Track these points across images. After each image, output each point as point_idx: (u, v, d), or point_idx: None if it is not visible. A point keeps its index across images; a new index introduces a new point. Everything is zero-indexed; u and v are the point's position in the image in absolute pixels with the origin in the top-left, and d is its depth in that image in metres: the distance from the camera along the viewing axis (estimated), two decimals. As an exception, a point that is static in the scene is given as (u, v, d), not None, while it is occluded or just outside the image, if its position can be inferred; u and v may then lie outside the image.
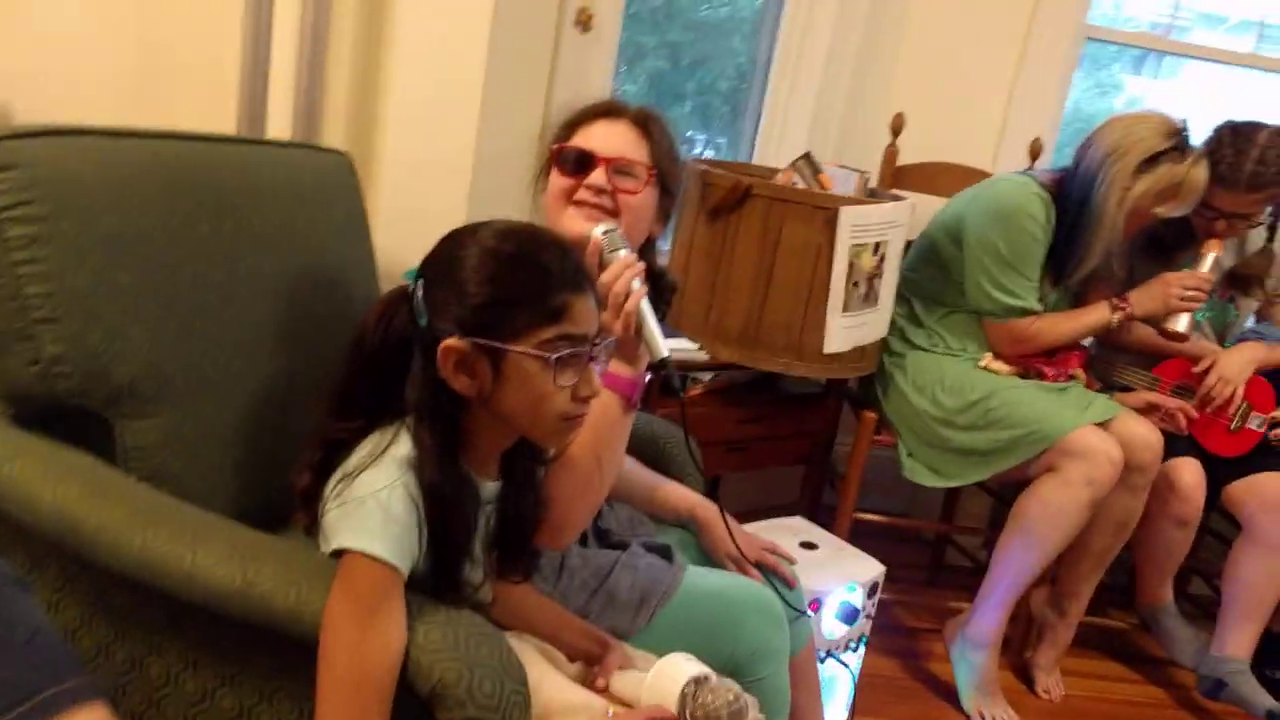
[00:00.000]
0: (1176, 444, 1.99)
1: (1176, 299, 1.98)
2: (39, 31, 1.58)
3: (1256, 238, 2.18)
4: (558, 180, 1.24)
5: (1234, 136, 1.98)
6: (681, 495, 1.45)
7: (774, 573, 1.40)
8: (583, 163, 1.22)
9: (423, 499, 0.90)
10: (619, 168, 1.22)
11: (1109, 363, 2.23)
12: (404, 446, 0.92)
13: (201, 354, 1.14)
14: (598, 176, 1.21)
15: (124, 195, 1.06)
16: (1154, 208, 1.92)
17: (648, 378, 1.16)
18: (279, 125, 1.67)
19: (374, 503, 0.87)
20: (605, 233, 1.14)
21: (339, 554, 0.87)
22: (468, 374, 0.92)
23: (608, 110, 1.26)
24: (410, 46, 1.69)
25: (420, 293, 0.93)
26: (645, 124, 1.26)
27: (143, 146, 1.11)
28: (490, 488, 1.01)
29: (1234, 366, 2.08)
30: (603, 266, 1.12)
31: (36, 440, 1.05)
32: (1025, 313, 2.01)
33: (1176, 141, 1.88)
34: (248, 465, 1.20)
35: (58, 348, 1.01)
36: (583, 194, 1.22)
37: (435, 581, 0.94)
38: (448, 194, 1.75)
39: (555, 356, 0.91)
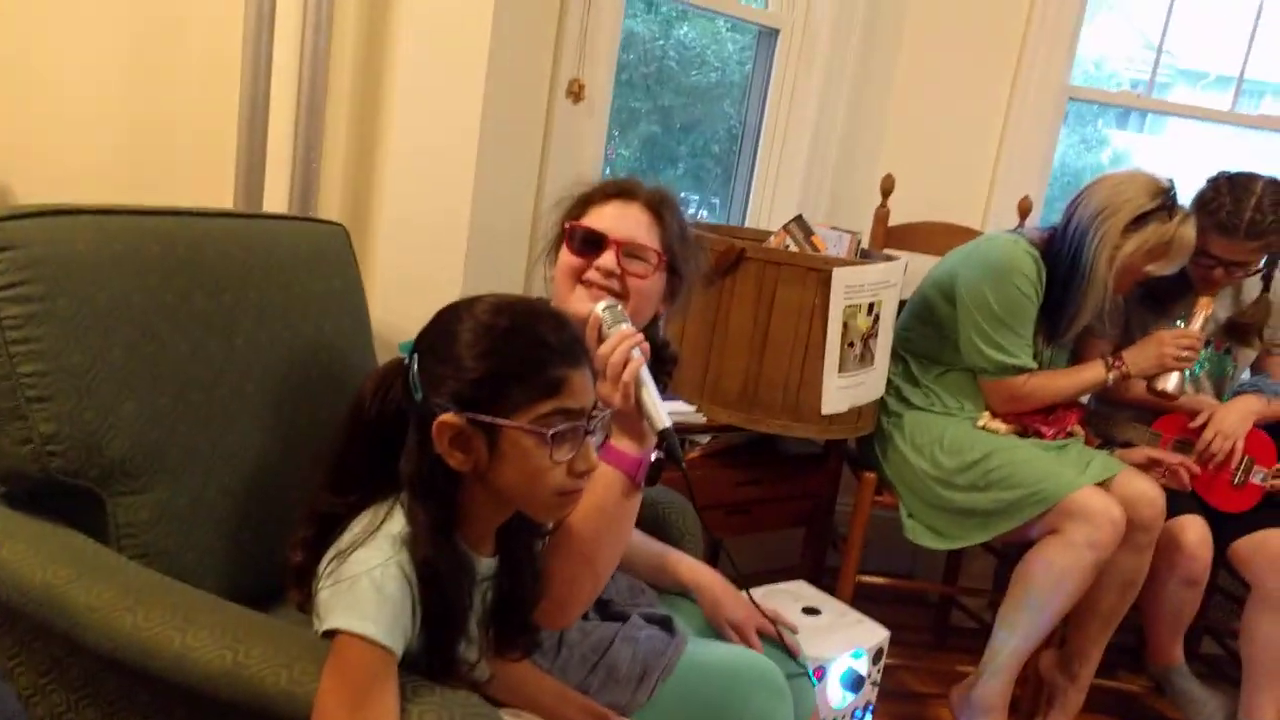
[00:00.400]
0: (1180, 501, 1.98)
1: (1171, 358, 1.98)
2: (37, 113, 1.60)
3: (1252, 287, 2.19)
4: (567, 258, 1.24)
5: (1231, 185, 2.01)
6: (686, 564, 1.43)
7: (777, 643, 1.38)
8: (593, 243, 1.22)
9: (416, 576, 0.88)
10: (629, 251, 1.22)
11: (1108, 418, 2.23)
12: (398, 523, 0.90)
13: (195, 428, 1.13)
14: (608, 259, 1.21)
15: (118, 272, 1.07)
16: (1144, 266, 1.94)
17: (654, 455, 1.13)
18: (276, 199, 1.69)
19: (367, 581, 0.86)
20: (605, 309, 1.13)
21: (331, 634, 0.85)
22: (463, 450, 0.91)
23: (622, 191, 1.26)
24: (405, 119, 1.72)
25: (415, 367, 0.93)
26: (658, 208, 1.26)
27: (137, 223, 1.12)
28: (486, 563, 1.00)
29: (1232, 420, 2.07)
30: (601, 340, 1.11)
31: (27, 520, 1.04)
32: (1019, 370, 2.01)
33: (1164, 200, 1.90)
34: (242, 540, 1.19)
35: (50, 426, 1.00)
36: (592, 274, 1.22)
37: (430, 660, 0.92)
38: (444, 264, 1.76)
39: (552, 432, 0.90)
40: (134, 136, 1.65)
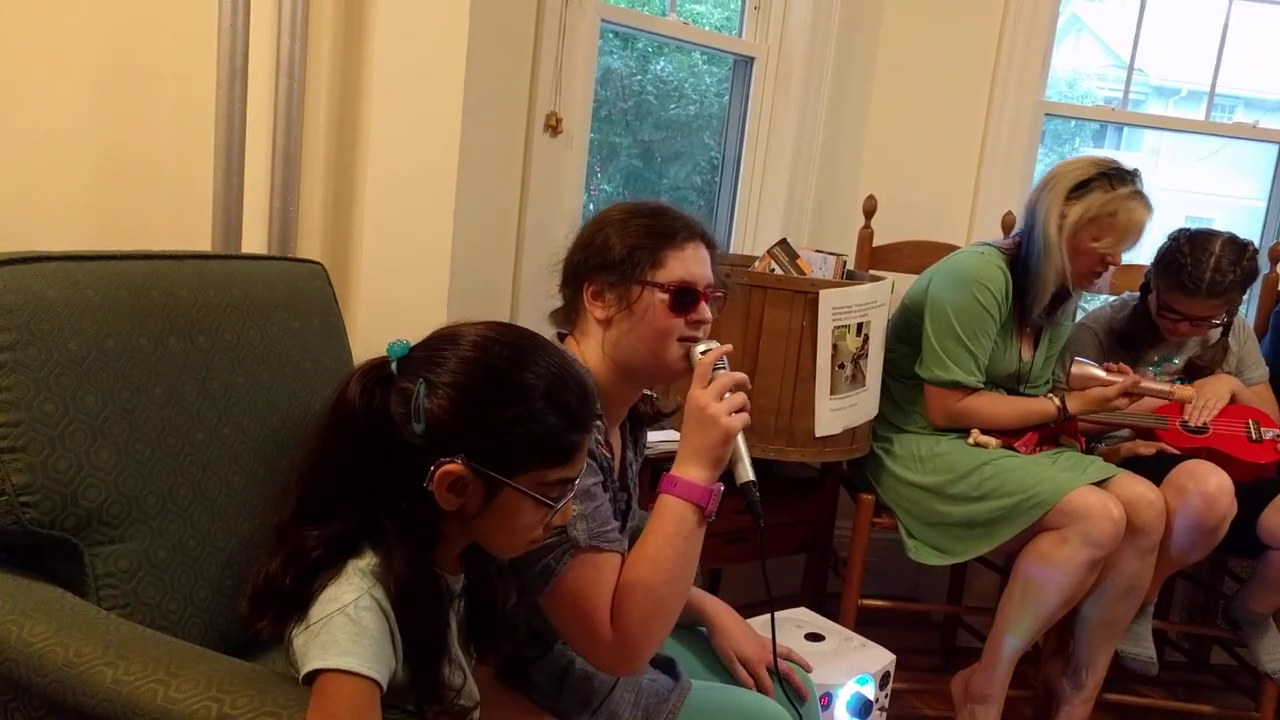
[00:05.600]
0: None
1: (1108, 397, 1.97)
2: (10, 161, 1.59)
3: (1217, 330, 2.25)
4: (670, 320, 1.16)
5: (1191, 245, 2.07)
6: (695, 593, 1.39)
7: (786, 681, 1.35)
8: (693, 297, 1.17)
9: (395, 605, 0.85)
10: (713, 298, 1.20)
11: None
12: (365, 558, 0.87)
13: (173, 474, 1.10)
14: (705, 311, 1.18)
15: (90, 317, 1.05)
16: (1092, 241, 1.96)
17: (721, 489, 1.10)
18: (255, 243, 1.67)
19: (341, 618, 0.83)
20: (707, 351, 1.15)
21: (311, 680, 0.82)
22: (456, 494, 0.88)
23: (690, 232, 1.19)
24: (382, 155, 1.71)
25: (421, 395, 0.87)
26: (711, 244, 1.23)
27: (108, 268, 1.10)
28: (454, 581, 0.97)
29: (1211, 385, 2.17)
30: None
31: (2, 576, 1.00)
32: (956, 385, 2.02)
33: (1105, 169, 1.93)
34: (225, 587, 1.15)
35: (24, 477, 0.98)
36: (687, 330, 1.17)
37: (416, 689, 0.89)
38: (427, 299, 1.75)
39: (560, 504, 0.90)
40: (104, 182, 1.63)
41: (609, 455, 1.17)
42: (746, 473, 1.11)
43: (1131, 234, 1.94)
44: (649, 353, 1.17)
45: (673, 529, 1.06)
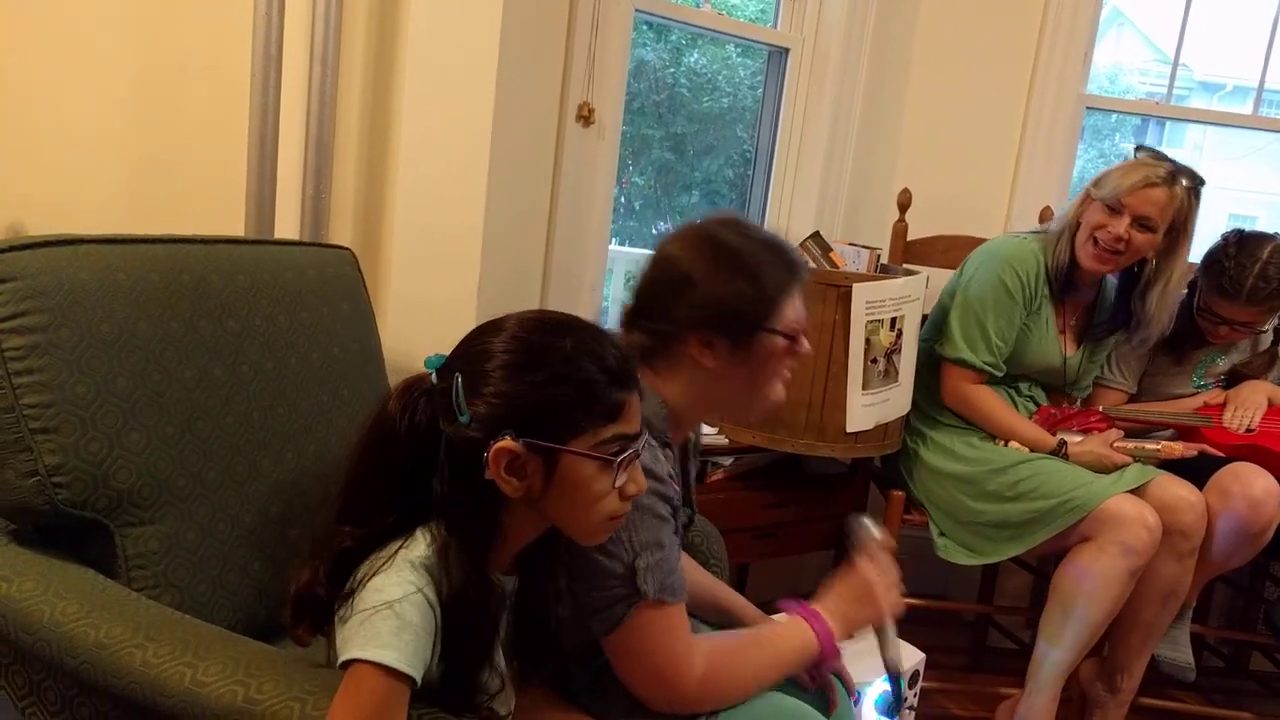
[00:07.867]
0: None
1: (1109, 460, 1.91)
2: (44, 155, 1.61)
3: (1268, 337, 2.17)
4: (782, 363, 1.15)
5: (1239, 248, 1.99)
6: (746, 609, 1.38)
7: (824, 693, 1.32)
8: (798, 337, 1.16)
9: (446, 608, 0.84)
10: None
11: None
12: (418, 549, 0.86)
13: (203, 457, 1.11)
14: (806, 345, 1.17)
15: (122, 300, 1.05)
16: (1094, 190, 1.95)
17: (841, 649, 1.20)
18: (287, 229, 1.68)
19: (387, 612, 0.82)
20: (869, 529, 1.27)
21: (347, 665, 0.81)
22: (517, 476, 0.86)
23: (802, 272, 1.17)
24: (415, 145, 1.71)
25: (459, 388, 0.86)
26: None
27: (140, 252, 1.10)
28: (507, 583, 0.96)
29: (1246, 389, 2.07)
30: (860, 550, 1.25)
31: (35, 557, 1.02)
32: (965, 365, 2.00)
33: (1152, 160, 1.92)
34: (253, 571, 1.16)
35: (56, 458, 0.99)
36: (789, 365, 1.17)
37: (449, 689, 0.88)
38: (457, 287, 1.74)
39: (619, 458, 0.88)
40: (140, 169, 1.65)
41: (678, 488, 1.13)
42: (898, 661, 1.23)
43: (1128, 184, 1.89)
44: (754, 395, 1.16)
45: (794, 657, 1.14)
